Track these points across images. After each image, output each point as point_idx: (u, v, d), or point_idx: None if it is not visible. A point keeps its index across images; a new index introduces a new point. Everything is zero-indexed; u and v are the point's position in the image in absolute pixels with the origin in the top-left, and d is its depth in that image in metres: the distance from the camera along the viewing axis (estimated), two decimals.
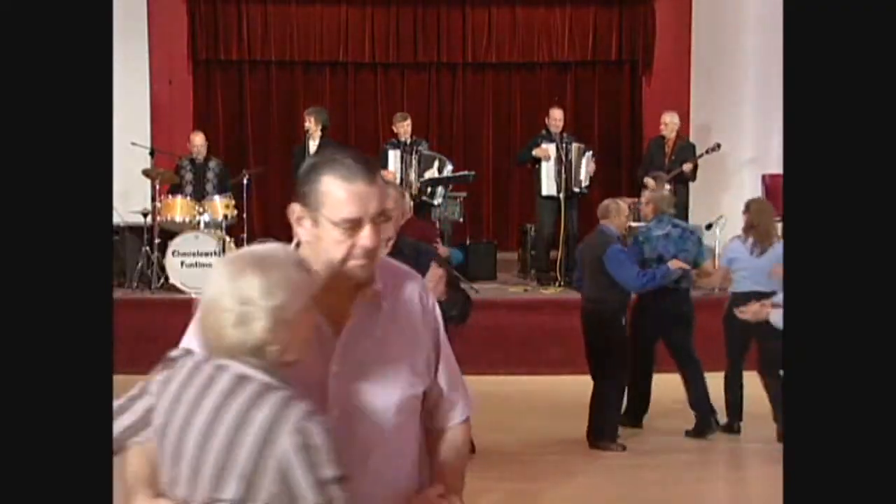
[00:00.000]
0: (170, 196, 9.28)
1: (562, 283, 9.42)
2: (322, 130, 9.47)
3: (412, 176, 9.56)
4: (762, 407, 6.45)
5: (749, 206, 6.63)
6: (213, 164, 9.70)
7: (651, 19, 11.67)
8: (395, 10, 11.83)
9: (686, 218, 8.95)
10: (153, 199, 9.33)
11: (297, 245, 2.12)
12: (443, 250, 7.08)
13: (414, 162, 9.62)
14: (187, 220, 9.11)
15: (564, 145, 9.70)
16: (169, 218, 9.14)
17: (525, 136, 11.14)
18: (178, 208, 9.15)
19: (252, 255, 1.92)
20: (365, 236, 2.01)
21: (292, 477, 1.79)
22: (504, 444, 6.34)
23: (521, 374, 8.17)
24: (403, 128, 9.78)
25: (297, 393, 1.86)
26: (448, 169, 9.74)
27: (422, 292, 2.23)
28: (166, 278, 8.96)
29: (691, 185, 9.80)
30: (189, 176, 9.59)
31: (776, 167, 9.76)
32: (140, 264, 9.11)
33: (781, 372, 6.28)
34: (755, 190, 9.81)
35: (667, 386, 6.72)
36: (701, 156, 9.68)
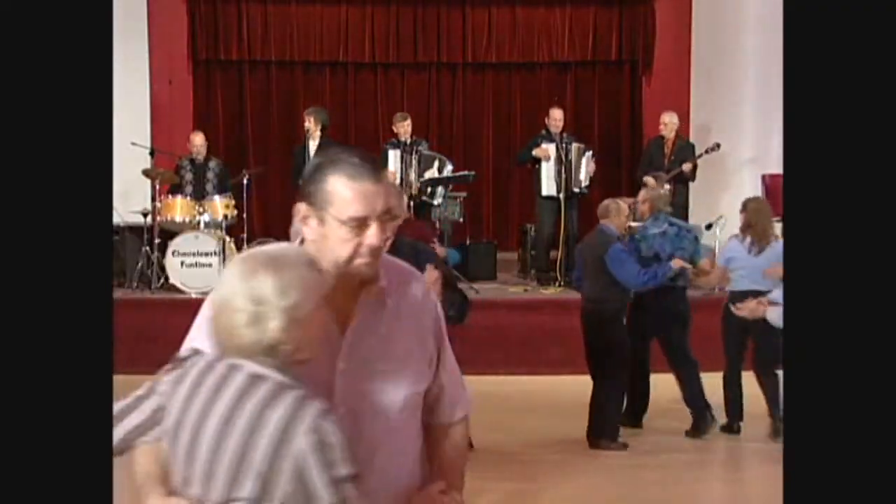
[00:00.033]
0: (170, 196, 9.29)
1: (562, 283, 9.42)
2: (322, 130, 9.47)
3: (412, 176, 9.56)
4: (762, 407, 6.45)
5: (746, 206, 6.64)
6: (213, 164, 9.70)
7: (651, 19, 11.67)
8: (395, 10, 11.83)
9: (686, 218, 8.95)
10: (153, 199, 9.33)
11: (301, 243, 2.13)
12: (440, 250, 7.09)
13: (414, 162, 9.62)
14: (187, 220, 9.11)
15: (564, 145, 9.71)
16: (169, 218, 9.14)
17: (525, 136, 11.14)
18: (178, 208, 9.15)
19: (265, 254, 1.93)
20: (371, 235, 2.03)
21: (308, 476, 1.80)
22: (504, 444, 6.34)
23: (521, 374, 8.16)
24: (403, 128, 9.78)
25: (310, 392, 1.87)
26: (448, 169, 9.74)
27: (424, 289, 2.26)
28: (166, 278, 8.96)
29: (691, 185, 9.81)
30: (189, 176, 9.59)
31: (776, 167, 9.76)
32: (140, 264, 9.11)
33: (779, 372, 6.31)
34: (755, 190, 9.80)
35: (665, 386, 6.72)
36: (700, 156, 9.68)
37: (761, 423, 6.45)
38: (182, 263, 8.83)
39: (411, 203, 9.21)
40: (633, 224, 7.51)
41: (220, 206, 9.17)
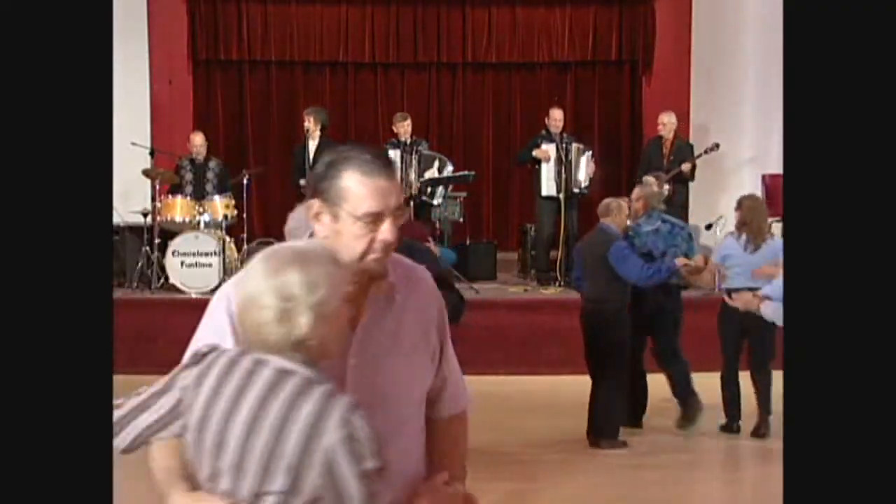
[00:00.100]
0: (170, 196, 9.28)
1: (562, 283, 9.42)
2: (321, 130, 9.48)
3: (412, 176, 9.56)
4: None
5: (741, 204, 6.66)
6: (213, 164, 9.70)
7: (651, 19, 11.66)
8: (395, 10, 11.82)
9: (686, 218, 8.95)
10: (153, 199, 9.33)
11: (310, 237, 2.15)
12: (434, 250, 7.10)
13: (414, 162, 9.63)
14: (187, 220, 9.11)
15: (564, 145, 9.71)
16: (169, 218, 9.14)
17: (525, 136, 11.14)
18: (178, 208, 9.15)
19: (291, 251, 1.95)
20: (385, 230, 2.06)
21: (337, 469, 1.82)
22: (504, 444, 6.34)
23: (521, 374, 8.17)
24: (403, 128, 9.78)
25: (337, 386, 1.90)
26: (448, 169, 9.74)
27: (430, 284, 2.29)
28: (166, 278, 8.96)
29: (691, 185, 9.81)
30: (189, 176, 9.59)
31: (776, 167, 9.76)
32: (140, 264, 9.11)
33: (772, 369, 6.34)
34: (755, 190, 9.80)
35: (663, 386, 6.72)
36: (699, 156, 9.69)
37: None
38: (182, 263, 8.83)
39: (411, 203, 9.22)
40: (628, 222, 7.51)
41: (220, 206, 9.18)
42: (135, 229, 9.26)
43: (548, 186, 9.71)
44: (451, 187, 9.83)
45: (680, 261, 6.36)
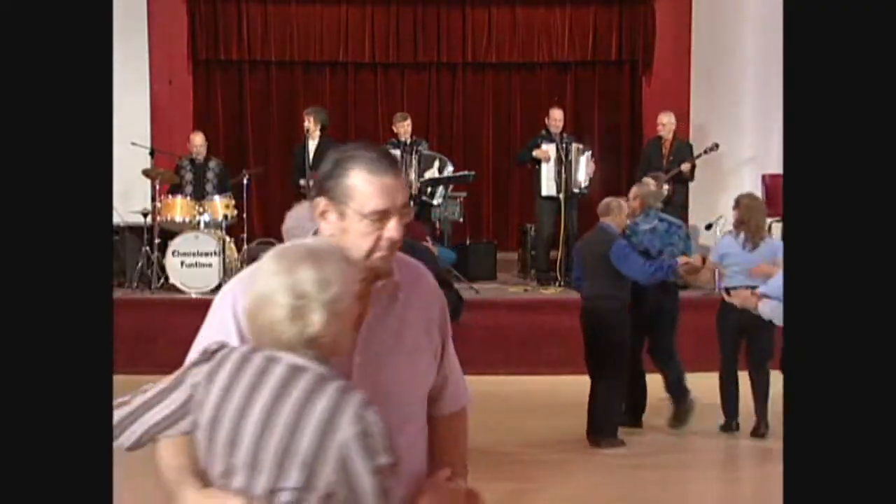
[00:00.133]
0: (170, 196, 9.28)
1: (562, 283, 9.43)
2: (321, 130, 9.48)
3: (412, 176, 9.56)
4: None
5: (739, 202, 6.66)
6: (213, 164, 9.70)
7: (651, 19, 11.66)
8: (395, 10, 11.82)
9: (685, 218, 8.95)
10: (153, 199, 9.33)
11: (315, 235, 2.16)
12: (433, 249, 7.10)
13: (414, 162, 9.62)
14: (187, 220, 9.11)
15: (564, 145, 9.71)
16: (169, 218, 9.14)
17: (525, 136, 11.14)
18: (178, 208, 9.15)
19: (303, 249, 1.95)
20: (392, 228, 2.07)
21: (352, 464, 1.83)
22: (504, 444, 6.34)
23: (521, 374, 8.17)
24: (403, 128, 9.78)
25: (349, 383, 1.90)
26: (448, 169, 9.74)
27: (432, 282, 2.30)
28: (166, 278, 8.96)
29: (691, 185, 9.81)
30: (189, 176, 9.60)
31: (776, 167, 9.76)
32: (140, 264, 9.11)
33: (770, 369, 6.34)
34: (755, 190, 9.80)
35: (661, 386, 6.72)
36: (699, 156, 9.69)
37: None
38: (182, 263, 8.83)
39: (411, 203, 9.22)
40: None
41: (220, 206, 9.17)
42: (135, 229, 9.26)
43: (548, 186, 9.71)
44: (451, 187, 9.84)
45: (683, 259, 6.37)
